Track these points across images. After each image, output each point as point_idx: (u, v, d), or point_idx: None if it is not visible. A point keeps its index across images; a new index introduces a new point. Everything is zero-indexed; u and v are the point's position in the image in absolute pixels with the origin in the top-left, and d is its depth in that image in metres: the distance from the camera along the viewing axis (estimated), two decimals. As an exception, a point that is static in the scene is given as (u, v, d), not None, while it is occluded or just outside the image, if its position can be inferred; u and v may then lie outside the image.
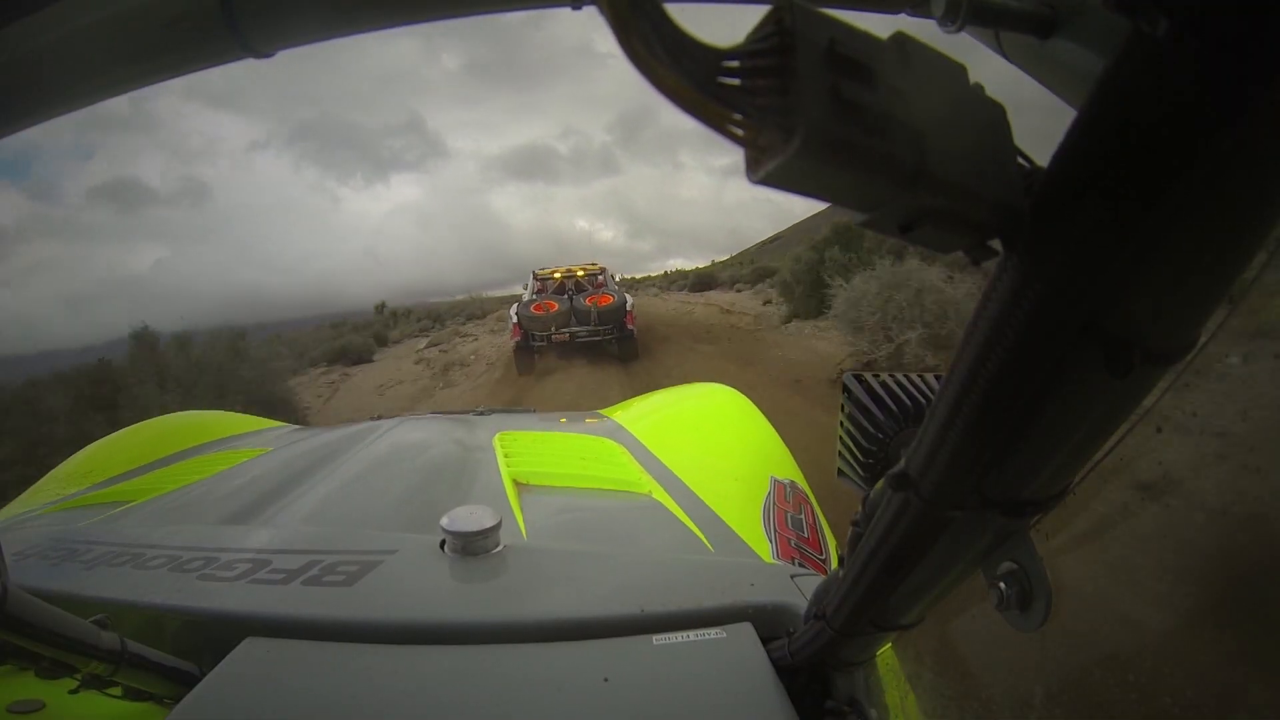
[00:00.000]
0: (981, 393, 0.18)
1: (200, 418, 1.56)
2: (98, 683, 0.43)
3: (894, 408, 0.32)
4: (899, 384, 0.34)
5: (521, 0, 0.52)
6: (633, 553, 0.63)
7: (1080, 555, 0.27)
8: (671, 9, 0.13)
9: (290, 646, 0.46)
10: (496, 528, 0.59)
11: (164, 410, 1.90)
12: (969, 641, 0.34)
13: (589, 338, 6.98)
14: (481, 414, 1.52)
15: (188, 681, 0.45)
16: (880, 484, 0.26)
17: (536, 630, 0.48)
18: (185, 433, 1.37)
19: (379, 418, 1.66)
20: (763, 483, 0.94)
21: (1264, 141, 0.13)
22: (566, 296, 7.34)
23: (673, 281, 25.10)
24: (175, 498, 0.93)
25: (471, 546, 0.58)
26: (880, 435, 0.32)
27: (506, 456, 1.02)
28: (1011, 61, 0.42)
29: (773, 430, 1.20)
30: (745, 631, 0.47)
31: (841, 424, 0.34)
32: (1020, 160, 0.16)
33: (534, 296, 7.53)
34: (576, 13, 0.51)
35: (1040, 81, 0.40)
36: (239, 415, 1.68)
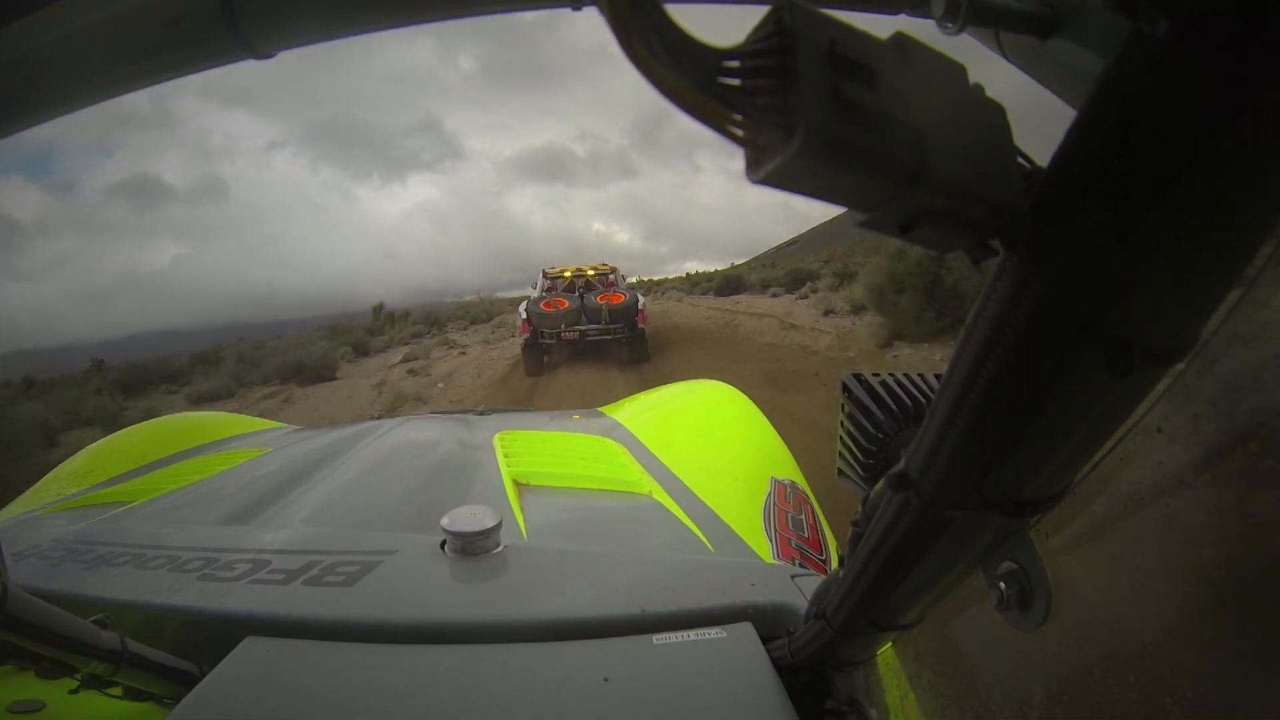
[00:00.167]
0: (981, 393, 0.18)
1: (200, 418, 1.56)
2: (98, 683, 0.43)
3: (894, 408, 0.32)
4: (899, 384, 0.34)
5: (522, 0, 0.52)
6: (633, 553, 0.63)
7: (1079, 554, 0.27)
8: (671, 9, 0.13)
9: (290, 646, 0.46)
10: (497, 528, 0.59)
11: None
12: (969, 641, 0.34)
13: (599, 336, 6.84)
14: (481, 414, 1.53)
15: (188, 681, 0.45)
16: (880, 484, 0.26)
17: (537, 630, 0.48)
18: (185, 433, 1.37)
19: (379, 417, 1.66)
20: (763, 483, 0.94)
21: (1264, 141, 0.13)
22: (577, 295, 7.23)
23: (695, 284, 22.99)
24: (175, 498, 0.93)
25: (472, 547, 0.58)
26: (880, 435, 0.32)
27: (506, 456, 1.02)
28: (1011, 61, 0.42)
29: (773, 430, 1.20)
30: (745, 631, 0.47)
31: (841, 424, 0.34)
32: (1020, 160, 0.16)
33: (543, 294, 7.38)
34: (578, 13, 0.52)
35: (1040, 81, 0.40)
36: (239, 416, 1.68)
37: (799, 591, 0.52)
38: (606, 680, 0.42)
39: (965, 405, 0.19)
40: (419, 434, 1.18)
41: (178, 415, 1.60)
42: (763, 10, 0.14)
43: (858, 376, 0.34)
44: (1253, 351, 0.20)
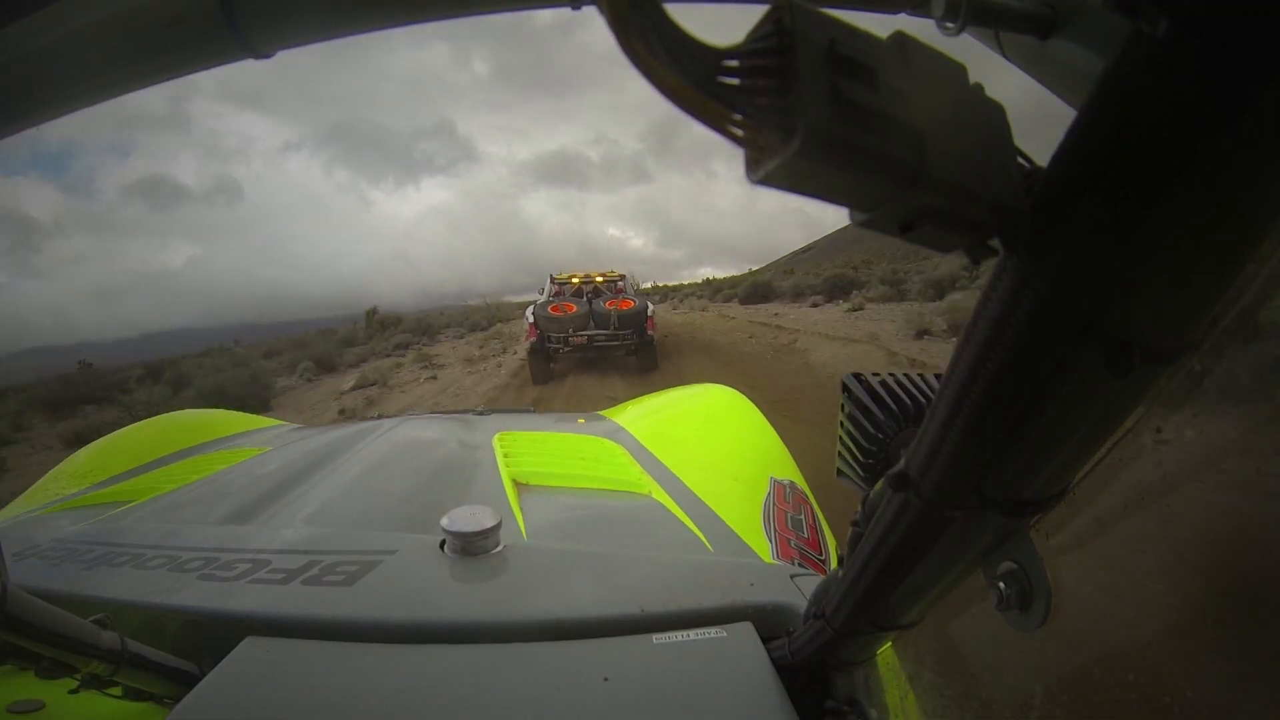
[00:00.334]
0: (981, 393, 0.18)
1: (200, 417, 1.56)
2: (98, 683, 0.43)
3: (894, 408, 0.32)
4: (899, 384, 0.34)
5: (522, 0, 0.52)
6: (633, 553, 0.63)
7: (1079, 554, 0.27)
8: (671, 9, 0.13)
9: (290, 646, 0.46)
10: (497, 528, 0.59)
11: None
12: (969, 641, 0.34)
13: (608, 342, 6.72)
14: (481, 414, 1.53)
15: (188, 681, 0.45)
16: (880, 484, 0.26)
17: (537, 630, 0.48)
18: (185, 432, 1.37)
19: (379, 416, 1.66)
20: (762, 483, 0.94)
21: (1264, 141, 0.13)
22: (585, 300, 7.13)
23: (717, 290, 20.79)
24: (175, 497, 0.93)
25: (471, 547, 0.58)
26: (880, 435, 0.32)
27: (506, 456, 1.02)
28: (1011, 61, 0.42)
29: (772, 431, 1.20)
30: (745, 631, 0.47)
31: (841, 424, 0.34)
32: (1020, 160, 0.16)
33: (551, 299, 7.25)
34: (578, 13, 0.51)
35: (1040, 81, 0.40)
36: (239, 414, 1.68)
37: (799, 591, 0.52)
38: (606, 680, 0.42)
39: (965, 405, 0.19)
40: (419, 434, 1.18)
41: (178, 413, 1.60)
42: (763, 10, 0.14)
43: (858, 376, 0.34)
44: (1253, 351, 0.20)
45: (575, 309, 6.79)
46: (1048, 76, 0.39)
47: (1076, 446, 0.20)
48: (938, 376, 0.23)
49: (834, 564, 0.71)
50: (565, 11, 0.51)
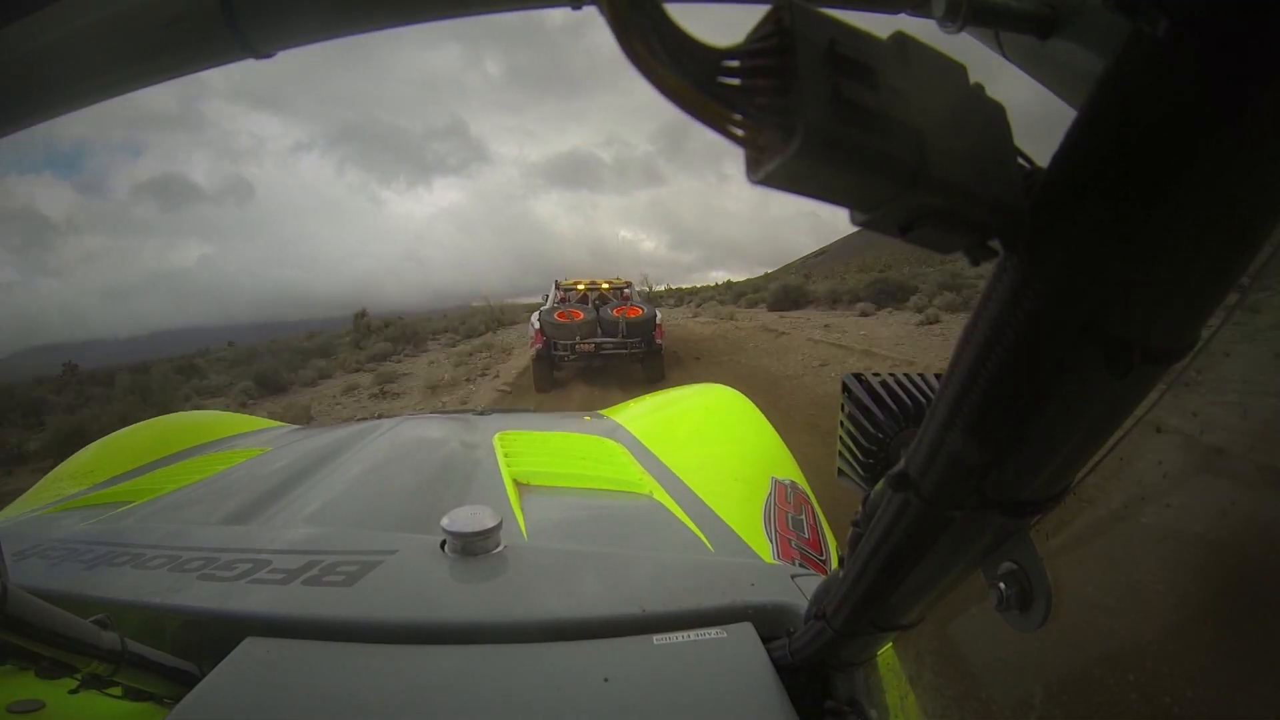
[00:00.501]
0: (981, 393, 0.18)
1: (200, 418, 1.56)
2: (98, 683, 0.43)
3: (894, 408, 0.32)
4: (899, 384, 0.34)
5: (522, 0, 0.52)
6: (633, 553, 0.63)
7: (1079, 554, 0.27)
8: (671, 9, 0.13)
9: (290, 646, 0.46)
10: (497, 528, 0.59)
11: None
12: (969, 641, 0.34)
13: (615, 350, 6.56)
14: (481, 414, 1.53)
15: (188, 681, 0.45)
16: (880, 484, 0.26)
17: (537, 630, 0.48)
18: (185, 433, 1.37)
19: (379, 417, 1.66)
20: (763, 483, 0.94)
21: (1264, 141, 0.13)
22: (592, 307, 7.03)
23: (739, 294, 17.30)
24: (175, 498, 0.93)
25: (472, 547, 0.58)
26: (880, 435, 0.32)
27: (507, 456, 1.02)
28: (1011, 61, 0.42)
29: (773, 431, 1.20)
30: (746, 631, 0.47)
31: (841, 424, 0.34)
32: (1020, 160, 0.16)
33: (557, 305, 7.14)
34: (577, 12, 0.51)
35: (1040, 81, 0.40)
36: (239, 415, 1.68)
37: (799, 591, 0.52)
38: (607, 680, 0.42)
39: (965, 405, 0.19)
40: (419, 434, 1.18)
41: (178, 414, 1.60)
42: (763, 10, 0.14)
43: (858, 376, 0.34)
44: (1253, 351, 0.20)
45: (583, 316, 6.69)
46: (1048, 76, 0.39)
47: (1076, 446, 0.20)
48: (938, 376, 0.23)
49: (834, 564, 0.71)
50: (577, 13, 0.51)
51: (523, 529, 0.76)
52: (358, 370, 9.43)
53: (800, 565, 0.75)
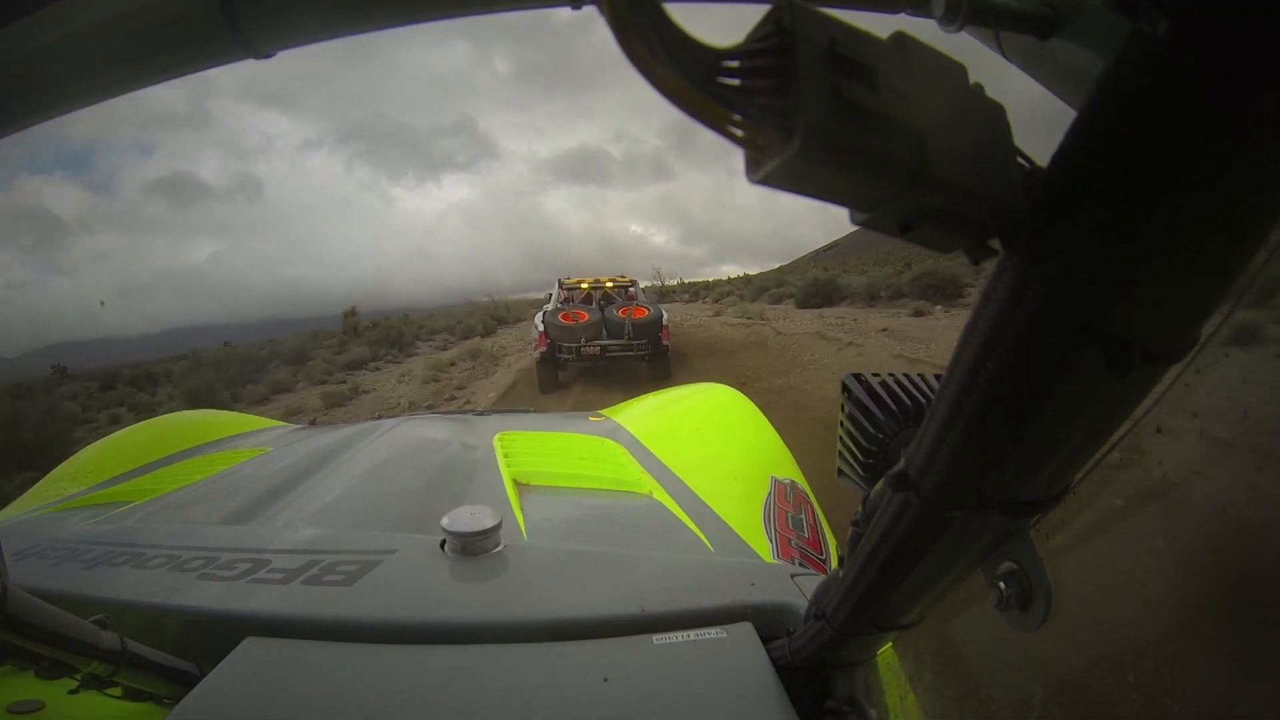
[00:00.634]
0: (981, 393, 0.18)
1: (200, 417, 1.56)
2: (98, 683, 0.43)
3: (894, 408, 0.32)
4: (899, 384, 0.34)
5: (521, 0, 0.52)
6: (633, 553, 0.63)
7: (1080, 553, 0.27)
8: (671, 9, 0.13)
9: (290, 646, 0.46)
10: (497, 528, 0.59)
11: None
12: (969, 641, 0.34)
13: (621, 352, 6.35)
14: (481, 414, 1.53)
15: (188, 681, 0.45)
16: (880, 484, 0.26)
17: (537, 630, 0.48)
18: (185, 433, 1.37)
19: (379, 417, 1.66)
20: (763, 483, 0.94)
21: (1264, 141, 0.13)
22: (596, 307, 6.85)
23: (760, 289, 15.41)
24: (175, 498, 0.93)
25: (472, 547, 0.58)
26: (880, 435, 0.32)
27: (506, 456, 1.02)
28: (1011, 61, 0.42)
29: (773, 430, 1.20)
30: (745, 631, 0.47)
31: (841, 424, 0.34)
32: (1020, 160, 0.16)
33: (560, 305, 6.96)
34: (577, 12, 0.51)
35: (1040, 81, 0.40)
36: (239, 415, 1.68)
37: (799, 591, 0.52)
38: (606, 680, 0.42)
39: (965, 405, 0.19)
40: (419, 434, 1.18)
41: (178, 414, 1.60)
42: (763, 10, 0.14)
43: (858, 376, 0.34)
44: (1252, 351, 0.20)
45: (587, 317, 6.52)
46: (1048, 76, 0.39)
47: (1076, 446, 0.20)
48: (938, 376, 0.23)
49: (834, 564, 0.71)
50: (584, 11, 0.50)
51: (522, 529, 0.76)
52: (324, 382, 8.40)
53: (800, 565, 0.75)
